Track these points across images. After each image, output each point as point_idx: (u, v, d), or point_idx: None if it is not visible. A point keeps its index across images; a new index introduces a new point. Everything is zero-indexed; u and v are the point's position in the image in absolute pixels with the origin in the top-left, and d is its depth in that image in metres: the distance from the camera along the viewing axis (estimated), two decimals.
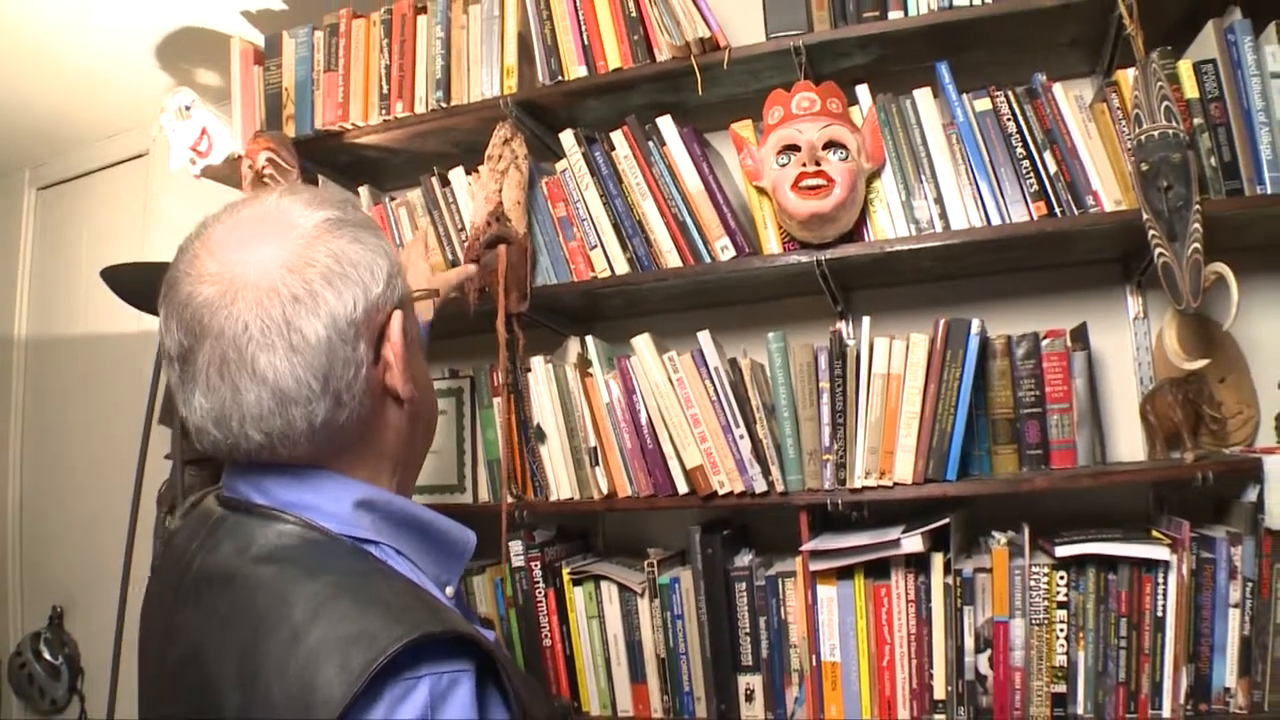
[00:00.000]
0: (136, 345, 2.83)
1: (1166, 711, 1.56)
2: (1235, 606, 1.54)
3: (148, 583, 0.91)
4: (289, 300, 0.76)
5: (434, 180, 2.04)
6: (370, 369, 0.82)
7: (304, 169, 2.06)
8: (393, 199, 2.12)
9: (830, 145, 1.71)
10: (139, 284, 1.97)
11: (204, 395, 0.77)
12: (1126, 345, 1.88)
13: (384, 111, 2.03)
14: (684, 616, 1.82)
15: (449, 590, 0.89)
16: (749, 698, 1.78)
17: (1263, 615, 1.52)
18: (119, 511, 2.46)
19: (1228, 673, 1.54)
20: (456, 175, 2.02)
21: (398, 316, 0.84)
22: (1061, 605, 1.61)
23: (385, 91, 2.03)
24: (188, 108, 2.19)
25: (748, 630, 1.79)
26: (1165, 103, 1.53)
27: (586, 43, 1.91)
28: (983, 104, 1.71)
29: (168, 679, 0.79)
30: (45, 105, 2.78)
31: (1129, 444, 1.86)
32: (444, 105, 1.99)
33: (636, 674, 1.86)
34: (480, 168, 1.95)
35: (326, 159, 2.17)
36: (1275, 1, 1.58)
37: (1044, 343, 1.74)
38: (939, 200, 1.73)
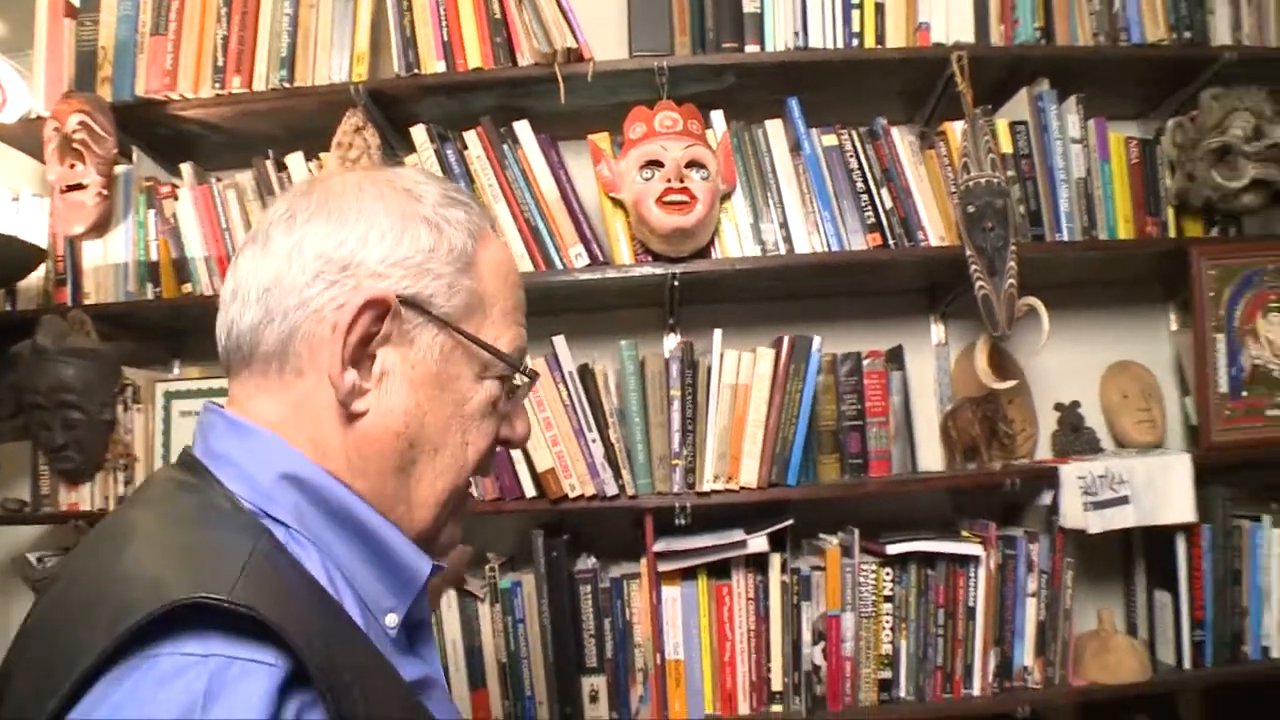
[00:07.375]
0: None
1: (976, 690, 1.76)
2: (1032, 595, 1.77)
3: None
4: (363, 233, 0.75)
5: (268, 163, 1.92)
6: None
7: (118, 139, 1.88)
8: (219, 179, 1.97)
9: (692, 164, 1.79)
10: None
11: (249, 260, 0.76)
12: (929, 367, 2.10)
13: (218, 85, 1.89)
14: (525, 620, 1.82)
15: (390, 619, 0.75)
16: (593, 699, 1.81)
17: (1055, 603, 1.76)
18: None
19: (1026, 653, 1.77)
20: (295, 160, 1.91)
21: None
22: (888, 599, 1.77)
23: (220, 64, 1.89)
24: None
25: (592, 632, 1.81)
26: (990, 154, 1.75)
27: (447, 39, 1.88)
28: (829, 139, 1.86)
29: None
30: None
31: (930, 456, 2.07)
32: (286, 85, 1.89)
33: (475, 680, 1.83)
34: (323, 154, 1.87)
35: (143, 130, 1.96)
36: (1076, 77, 1.86)
37: (865, 362, 1.91)
38: (784, 225, 1.86)
